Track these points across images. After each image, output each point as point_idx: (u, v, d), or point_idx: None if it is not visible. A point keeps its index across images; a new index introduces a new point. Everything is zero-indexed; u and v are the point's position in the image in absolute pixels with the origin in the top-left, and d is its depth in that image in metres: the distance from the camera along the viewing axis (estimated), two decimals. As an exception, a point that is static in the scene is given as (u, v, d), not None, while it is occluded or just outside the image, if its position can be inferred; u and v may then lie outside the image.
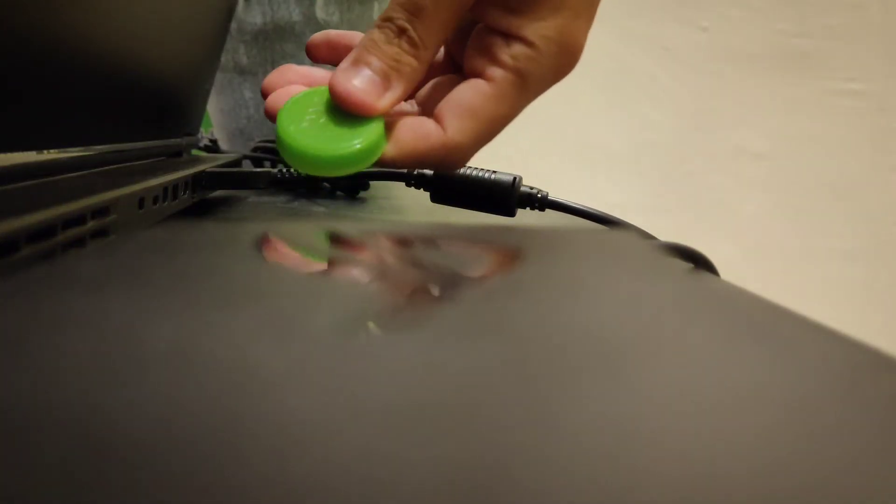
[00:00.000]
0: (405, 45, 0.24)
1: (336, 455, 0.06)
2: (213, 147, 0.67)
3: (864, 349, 0.09)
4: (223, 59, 0.61)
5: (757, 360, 0.08)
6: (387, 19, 0.25)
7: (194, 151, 0.44)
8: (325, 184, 0.45)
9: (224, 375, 0.07)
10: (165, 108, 0.36)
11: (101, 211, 0.21)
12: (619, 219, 0.38)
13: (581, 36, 0.26)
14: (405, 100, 0.27)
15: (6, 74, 0.20)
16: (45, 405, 0.06)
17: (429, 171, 0.39)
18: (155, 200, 0.26)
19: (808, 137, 1.21)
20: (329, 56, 0.31)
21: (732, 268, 0.36)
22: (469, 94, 0.25)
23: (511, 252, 0.16)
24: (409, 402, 0.07)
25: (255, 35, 0.63)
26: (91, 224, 0.20)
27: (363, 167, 0.24)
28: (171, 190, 0.28)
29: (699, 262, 0.22)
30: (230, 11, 0.42)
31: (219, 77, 0.64)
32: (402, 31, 0.24)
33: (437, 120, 0.25)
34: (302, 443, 0.06)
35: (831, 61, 1.20)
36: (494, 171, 0.39)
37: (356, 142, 0.24)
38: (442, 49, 0.29)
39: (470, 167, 0.39)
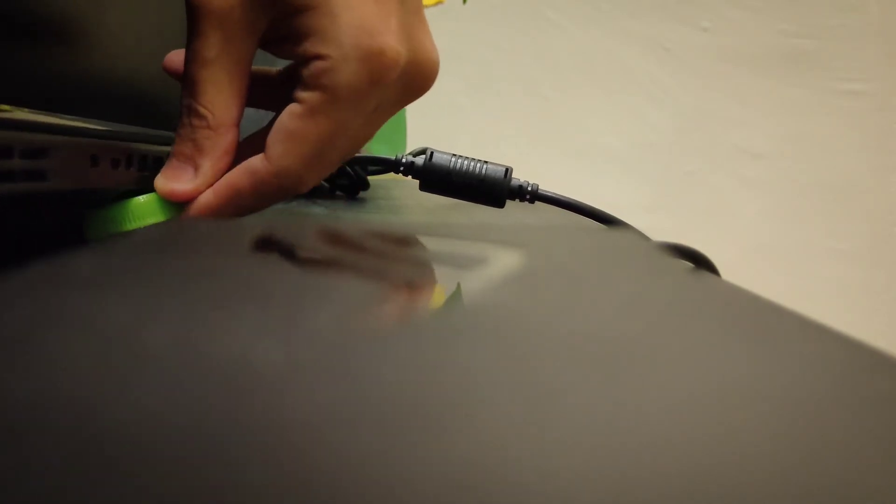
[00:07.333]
0: (195, 121, 0.24)
1: (335, 455, 0.06)
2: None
3: (864, 349, 0.09)
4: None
5: (757, 359, 0.08)
6: (181, 99, 0.24)
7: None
8: (325, 183, 0.45)
9: (224, 375, 0.07)
10: (151, 97, 0.35)
11: (37, 151, 0.19)
12: (608, 214, 0.38)
13: (380, 30, 0.23)
14: (227, 167, 0.25)
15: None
16: (45, 405, 0.06)
17: (418, 160, 0.38)
18: (116, 164, 0.24)
19: (808, 137, 1.21)
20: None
21: (732, 268, 0.36)
22: (285, 119, 0.24)
23: (511, 251, 0.16)
24: (407, 402, 0.07)
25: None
26: (20, 161, 0.19)
27: (166, 216, 0.24)
28: (139, 159, 0.26)
29: (700, 261, 0.22)
30: None
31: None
32: (189, 109, 0.24)
33: (265, 154, 0.25)
34: (300, 443, 0.06)
35: (831, 61, 1.20)
36: (486, 162, 0.39)
37: (142, 196, 0.24)
38: None
39: (461, 157, 0.38)
